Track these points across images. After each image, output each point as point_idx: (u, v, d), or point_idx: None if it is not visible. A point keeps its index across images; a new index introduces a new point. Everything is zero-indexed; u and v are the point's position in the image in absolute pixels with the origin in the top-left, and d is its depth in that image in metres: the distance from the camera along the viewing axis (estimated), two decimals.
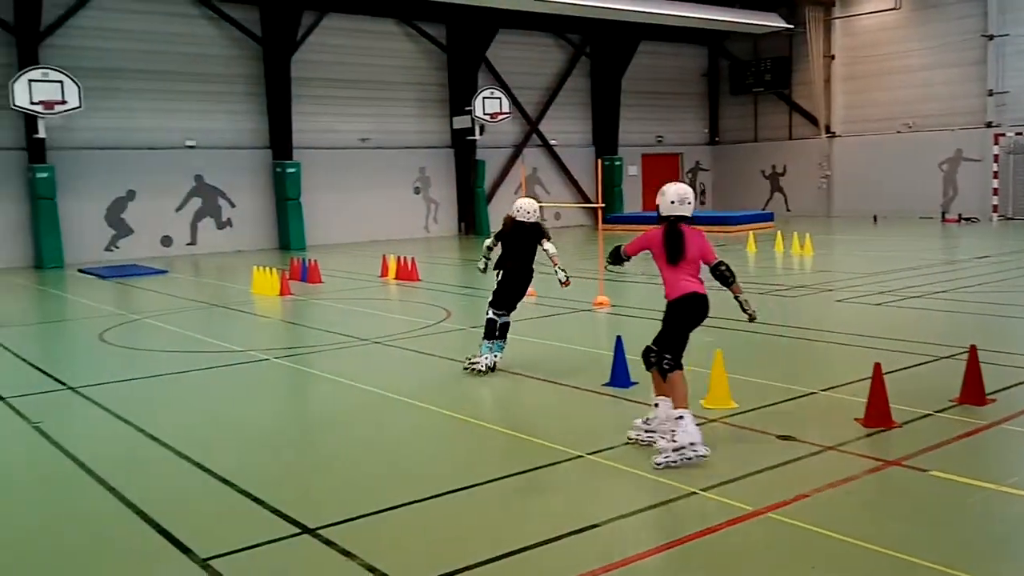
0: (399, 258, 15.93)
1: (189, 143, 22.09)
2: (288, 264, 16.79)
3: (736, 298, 5.70)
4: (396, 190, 25.60)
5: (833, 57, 28.97)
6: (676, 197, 5.62)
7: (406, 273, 15.47)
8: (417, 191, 26.19)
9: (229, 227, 22.95)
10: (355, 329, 10.54)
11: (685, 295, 5.60)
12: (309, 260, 16.08)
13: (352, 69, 24.49)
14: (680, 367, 5.61)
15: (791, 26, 28.74)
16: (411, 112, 25.85)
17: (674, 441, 5.27)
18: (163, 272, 17.98)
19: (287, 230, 23.16)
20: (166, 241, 22.01)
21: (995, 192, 25.04)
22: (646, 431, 5.72)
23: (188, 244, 22.33)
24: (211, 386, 8.08)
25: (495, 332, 7.93)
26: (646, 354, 5.79)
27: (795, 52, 30.01)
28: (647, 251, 5.75)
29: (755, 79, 31.19)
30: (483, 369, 7.84)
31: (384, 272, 15.98)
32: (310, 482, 5.38)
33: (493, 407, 6.99)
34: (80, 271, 18.58)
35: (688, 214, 5.63)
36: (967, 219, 25.23)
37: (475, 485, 5.06)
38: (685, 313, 5.64)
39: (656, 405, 5.76)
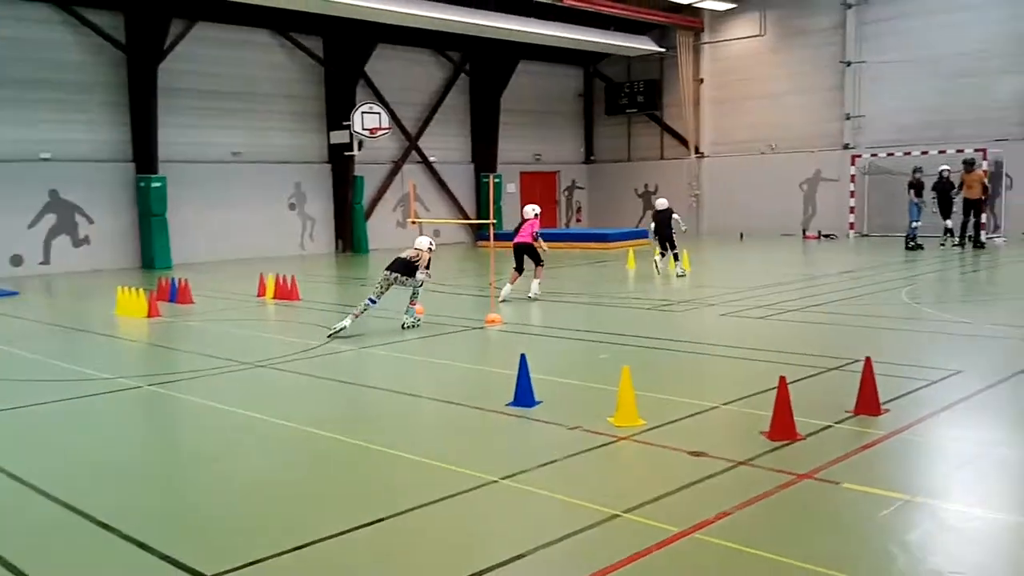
0: (277, 276, 15.29)
1: (44, 155, 20.59)
2: (156, 284, 15.83)
3: None
4: (270, 206, 24.71)
5: (702, 80, 30.08)
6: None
7: (285, 292, 14.85)
8: (292, 207, 25.38)
9: (87, 245, 21.51)
10: (235, 352, 9.95)
11: None
12: (179, 280, 15.21)
13: (224, 80, 23.53)
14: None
15: (663, 49, 29.69)
16: (286, 126, 25.07)
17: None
18: (13, 293, 16.60)
19: (151, 248, 21.92)
20: (16, 260, 20.40)
21: (851, 210, 26.52)
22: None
23: (41, 263, 20.77)
24: (79, 418, 7.37)
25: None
26: None
27: (666, 75, 31.00)
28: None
29: (628, 100, 31.99)
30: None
31: (261, 291, 15.29)
32: (202, 523, 4.91)
33: (395, 432, 6.65)
34: None
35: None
36: (826, 236, 26.60)
37: (387, 518, 4.74)
38: None
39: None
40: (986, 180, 21.21)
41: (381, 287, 11.00)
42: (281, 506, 5.10)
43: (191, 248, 22.73)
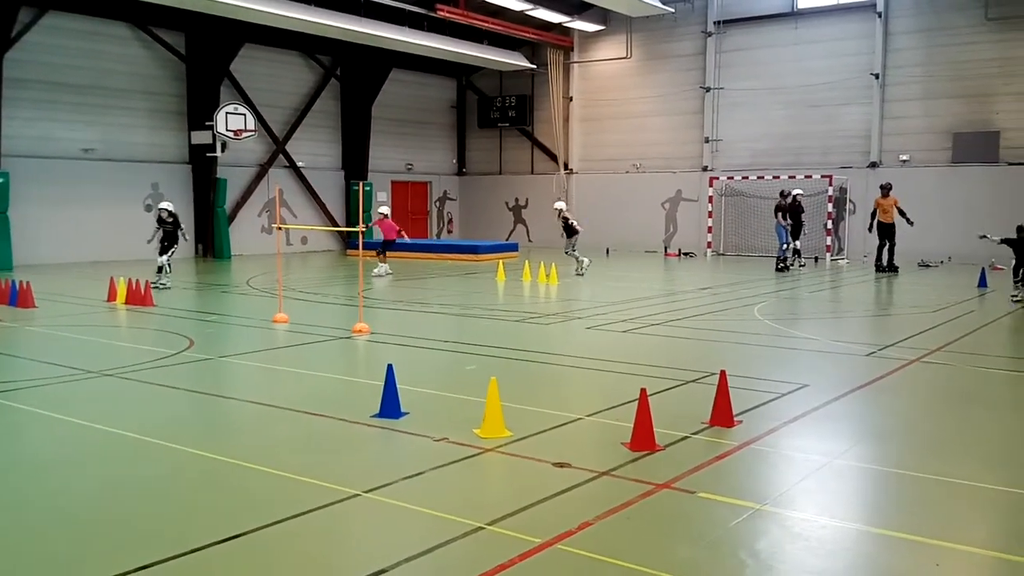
0: (129, 280, 14.52)
1: None
2: None
3: None
4: (124, 206, 23.46)
5: (571, 99, 30.74)
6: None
7: (138, 297, 14.12)
8: (149, 208, 24.16)
9: None
10: (81, 360, 9.36)
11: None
12: (20, 282, 14.21)
13: (76, 73, 22.22)
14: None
15: (533, 66, 30.16)
16: (143, 123, 23.91)
17: None
18: None
19: None
20: None
21: (709, 230, 27.69)
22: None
23: None
24: None
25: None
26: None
27: (537, 91, 31.51)
28: None
29: (500, 114, 32.31)
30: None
31: (112, 296, 14.49)
32: (38, 543, 4.56)
33: (252, 444, 6.40)
34: None
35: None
36: (686, 254, 27.66)
37: (243, 534, 4.55)
38: None
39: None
40: (899, 204, 20.64)
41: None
42: (128, 523, 4.81)
43: (35, 249, 21.29)
